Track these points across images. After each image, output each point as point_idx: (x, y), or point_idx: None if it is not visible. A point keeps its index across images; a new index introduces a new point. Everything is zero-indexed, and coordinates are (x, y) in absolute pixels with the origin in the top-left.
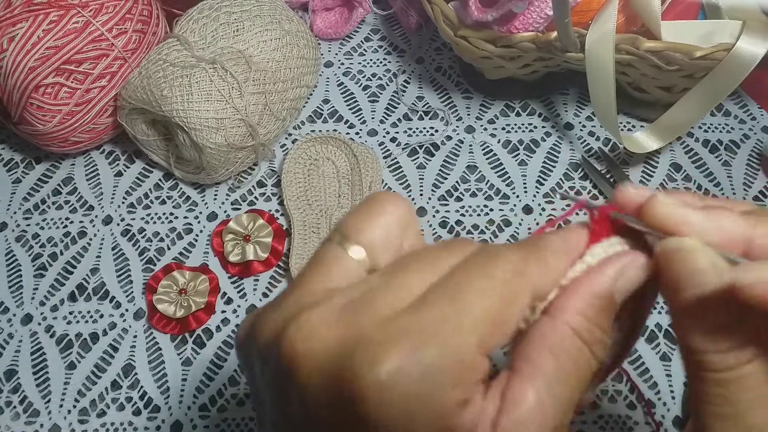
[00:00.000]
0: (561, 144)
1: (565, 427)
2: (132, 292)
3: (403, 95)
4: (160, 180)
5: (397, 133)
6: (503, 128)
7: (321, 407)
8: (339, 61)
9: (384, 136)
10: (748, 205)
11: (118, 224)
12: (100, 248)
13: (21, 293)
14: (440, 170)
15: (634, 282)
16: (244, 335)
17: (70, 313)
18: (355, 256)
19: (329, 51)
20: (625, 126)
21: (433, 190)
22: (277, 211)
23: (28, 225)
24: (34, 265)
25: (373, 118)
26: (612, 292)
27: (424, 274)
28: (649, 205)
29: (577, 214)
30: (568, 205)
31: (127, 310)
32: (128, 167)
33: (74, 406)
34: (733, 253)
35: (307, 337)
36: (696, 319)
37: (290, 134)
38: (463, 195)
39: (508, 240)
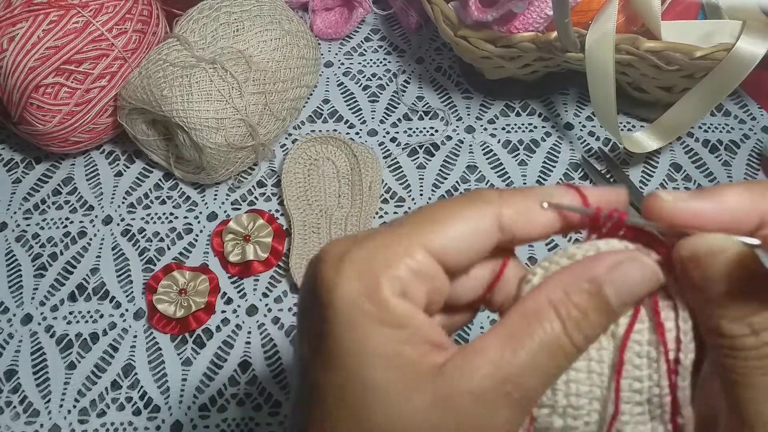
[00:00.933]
0: (561, 144)
1: (528, 399)
2: (132, 292)
3: (403, 95)
4: (160, 180)
5: (397, 133)
6: (503, 128)
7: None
8: (339, 61)
9: (384, 136)
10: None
11: (118, 224)
12: (100, 248)
13: (21, 293)
14: (440, 170)
15: (635, 281)
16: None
17: (70, 313)
18: None
19: (329, 51)
20: (625, 126)
21: (433, 190)
22: (277, 211)
23: (28, 225)
24: (34, 265)
25: (373, 118)
26: (601, 282)
27: None
28: (651, 204)
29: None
30: None
31: (127, 310)
32: (128, 167)
33: (74, 406)
34: (750, 238)
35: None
36: (730, 307)
37: (290, 134)
38: None
39: None
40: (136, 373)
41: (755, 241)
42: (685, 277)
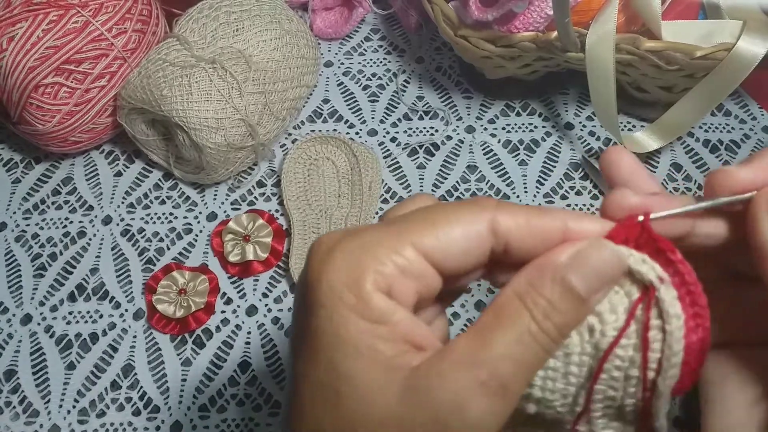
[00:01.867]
0: (561, 144)
1: (507, 390)
2: (131, 292)
3: (403, 95)
4: (159, 180)
5: (397, 133)
6: (503, 128)
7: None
8: (339, 60)
9: (384, 136)
10: None
11: (117, 224)
12: (100, 248)
13: (20, 293)
14: (440, 170)
15: (597, 266)
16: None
17: (70, 313)
18: None
19: (329, 51)
20: (625, 126)
21: (433, 190)
22: (276, 211)
23: (28, 225)
24: (33, 265)
25: (373, 118)
26: (564, 270)
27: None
28: (722, 180)
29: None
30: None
31: (126, 310)
32: (128, 167)
33: (74, 407)
34: None
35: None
36: None
37: (290, 134)
38: (464, 195)
39: None
40: (135, 374)
41: None
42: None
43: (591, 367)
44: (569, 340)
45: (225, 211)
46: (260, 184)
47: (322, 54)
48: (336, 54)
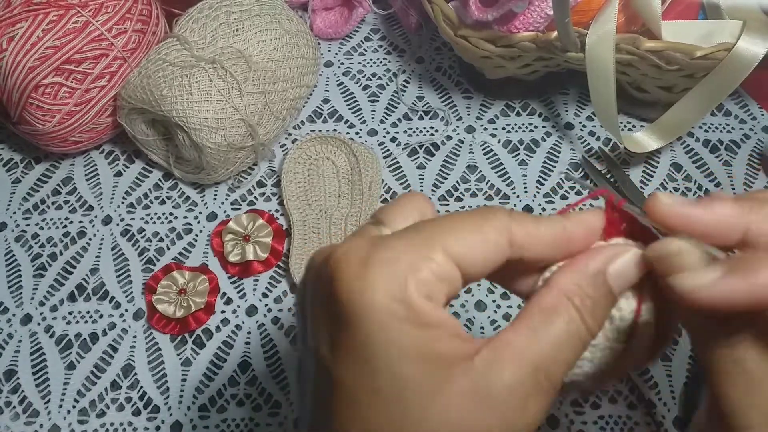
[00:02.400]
0: (561, 144)
1: (555, 387)
2: (131, 292)
3: (403, 95)
4: (159, 180)
5: (397, 133)
6: (503, 128)
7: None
8: (339, 60)
9: (384, 136)
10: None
11: (117, 224)
12: (100, 248)
13: (20, 293)
14: (440, 170)
15: (629, 269)
16: (304, 274)
17: (70, 313)
18: (384, 232)
19: (329, 51)
20: (625, 126)
21: (433, 190)
22: (276, 211)
23: (28, 225)
24: (33, 266)
25: (373, 118)
26: (604, 272)
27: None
28: (651, 205)
29: (591, 205)
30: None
31: (126, 310)
32: (128, 167)
33: (74, 407)
34: (714, 248)
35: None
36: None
37: (290, 134)
38: (464, 195)
39: None
40: (135, 374)
41: (720, 254)
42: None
43: (611, 349)
44: None
45: (225, 211)
46: (260, 184)
47: (322, 54)
48: (336, 54)
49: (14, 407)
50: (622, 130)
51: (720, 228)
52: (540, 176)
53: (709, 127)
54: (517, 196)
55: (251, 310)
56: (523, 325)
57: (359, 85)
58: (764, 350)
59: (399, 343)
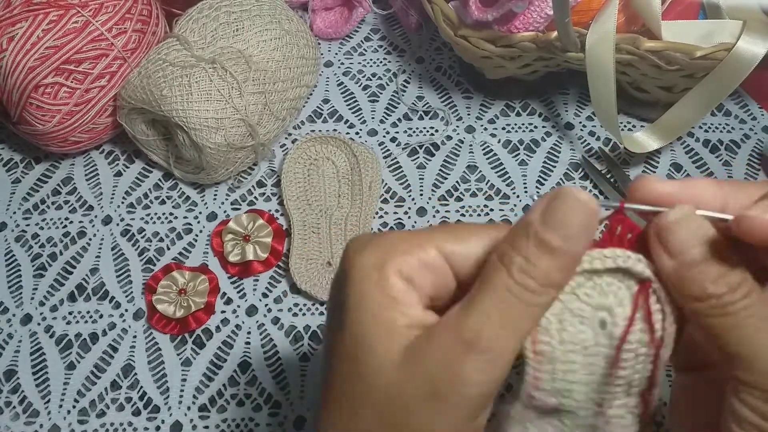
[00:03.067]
0: (561, 144)
1: (495, 349)
2: (131, 292)
3: (403, 95)
4: (159, 180)
5: (397, 133)
6: (503, 128)
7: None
8: (339, 60)
9: (384, 136)
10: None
11: (117, 224)
12: (100, 248)
13: (20, 293)
14: (440, 170)
15: (565, 214)
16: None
17: (70, 313)
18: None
19: (329, 51)
20: (625, 126)
21: (433, 190)
22: (276, 211)
23: (28, 225)
24: (33, 265)
25: (373, 118)
26: (536, 225)
27: None
28: (636, 187)
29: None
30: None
31: (126, 310)
32: (128, 167)
33: (74, 407)
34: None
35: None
36: (709, 271)
37: (290, 134)
38: (464, 195)
39: None
40: (135, 374)
41: (728, 216)
42: (665, 247)
43: (606, 355)
44: (583, 335)
45: (225, 211)
46: (260, 184)
47: (322, 54)
48: (336, 54)
49: (14, 407)
50: (622, 130)
51: (698, 203)
52: (540, 176)
53: (709, 127)
54: (517, 196)
55: (251, 310)
56: (464, 297)
57: (359, 85)
58: None
59: (365, 304)
